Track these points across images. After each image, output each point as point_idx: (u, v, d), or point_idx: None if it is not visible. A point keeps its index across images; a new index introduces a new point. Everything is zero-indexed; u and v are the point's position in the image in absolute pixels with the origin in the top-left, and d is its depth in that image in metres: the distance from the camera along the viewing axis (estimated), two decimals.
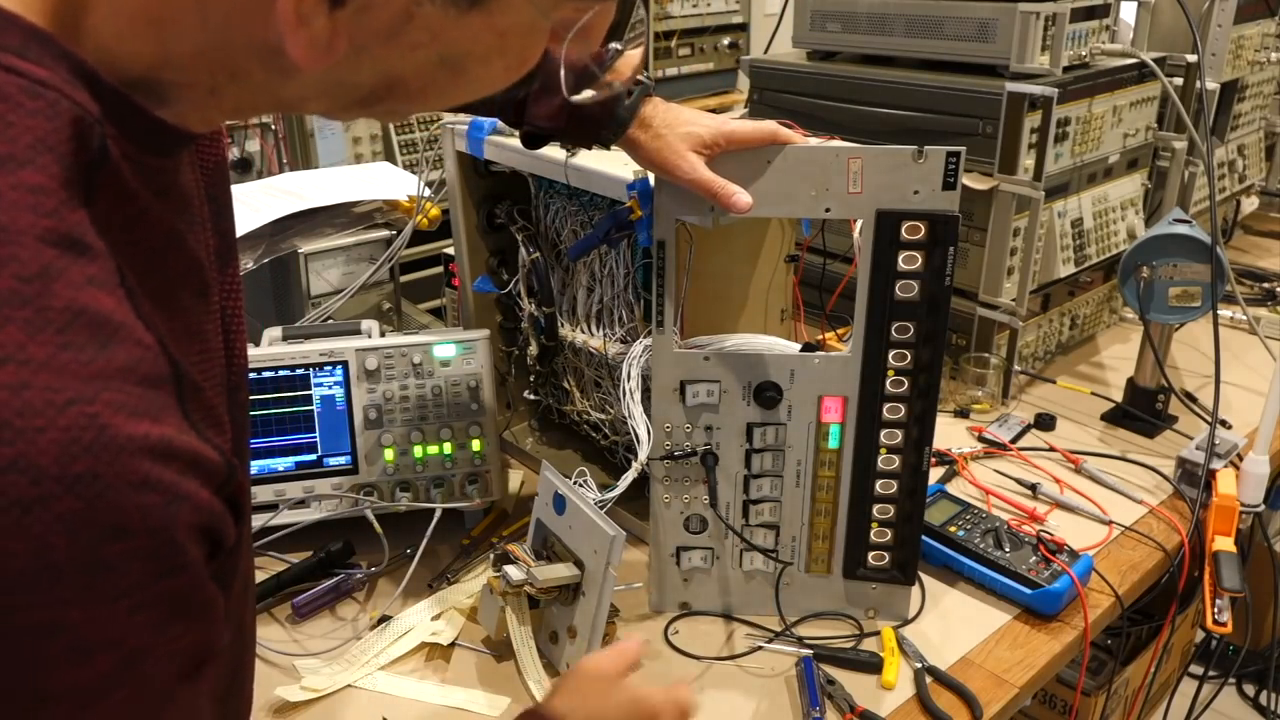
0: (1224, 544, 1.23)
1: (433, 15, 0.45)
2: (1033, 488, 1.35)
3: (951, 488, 1.33)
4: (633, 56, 0.60)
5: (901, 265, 0.98)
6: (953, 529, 1.19)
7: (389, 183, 1.57)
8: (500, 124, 1.23)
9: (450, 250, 1.47)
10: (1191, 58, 1.59)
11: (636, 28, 0.58)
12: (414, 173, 1.58)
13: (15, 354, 0.36)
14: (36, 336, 0.37)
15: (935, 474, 1.36)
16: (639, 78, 0.97)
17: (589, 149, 1.11)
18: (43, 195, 0.38)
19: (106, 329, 0.39)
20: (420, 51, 0.47)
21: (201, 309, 0.53)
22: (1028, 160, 1.45)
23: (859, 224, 0.99)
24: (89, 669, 0.39)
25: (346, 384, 1.19)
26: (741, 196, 0.94)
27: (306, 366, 1.19)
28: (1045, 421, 1.53)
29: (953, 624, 1.11)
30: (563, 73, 0.53)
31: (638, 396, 1.09)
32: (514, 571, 1.01)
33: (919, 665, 1.04)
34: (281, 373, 1.18)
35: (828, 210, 0.98)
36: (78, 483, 0.36)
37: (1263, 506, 1.29)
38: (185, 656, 0.43)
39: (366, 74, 0.48)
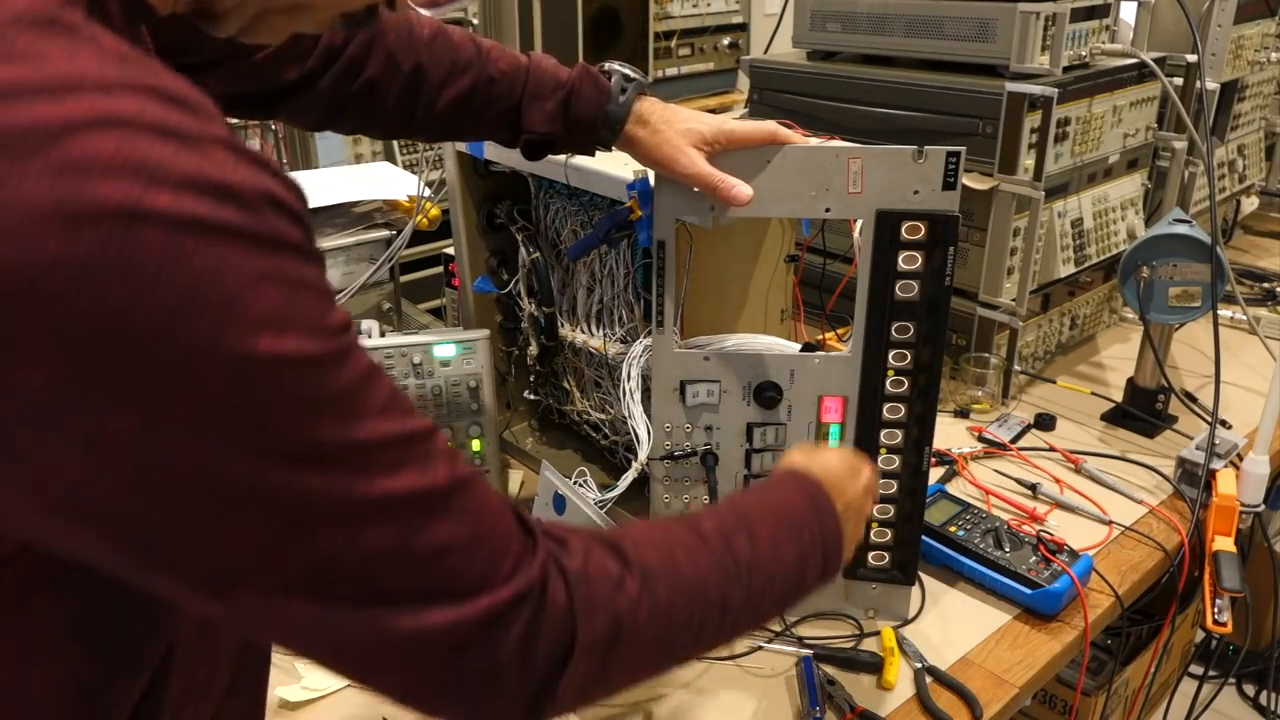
0: (1224, 544, 1.23)
1: None
2: (1033, 488, 1.35)
3: (951, 488, 1.34)
4: None
5: (901, 265, 0.98)
6: (953, 529, 1.19)
7: (389, 183, 1.57)
8: None
9: (450, 250, 1.47)
10: (1191, 58, 1.59)
11: None
12: (414, 173, 1.58)
13: (95, 74, 0.40)
14: (107, 64, 0.41)
15: (935, 474, 1.36)
16: (632, 75, 0.97)
17: (590, 155, 1.11)
18: None
19: (154, 65, 0.43)
20: None
21: None
22: (1028, 160, 1.45)
23: (859, 224, 0.99)
24: (269, 299, 0.42)
25: None
26: (741, 189, 0.94)
27: None
28: (1045, 421, 1.53)
29: (953, 624, 1.12)
30: None
31: (638, 396, 1.09)
32: None
33: (919, 665, 1.04)
34: None
35: (828, 210, 0.98)
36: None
37: (1263, 506, 1.29)
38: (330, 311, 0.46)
39: None
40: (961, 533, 1.18)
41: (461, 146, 1.29)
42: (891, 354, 1.01)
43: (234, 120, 2.25)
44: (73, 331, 0.38)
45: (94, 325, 0.38)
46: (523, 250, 1.30)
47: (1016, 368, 1.57)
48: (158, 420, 0.40)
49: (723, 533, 0.65)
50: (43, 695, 0.49)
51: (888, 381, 1.02)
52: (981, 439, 1.47)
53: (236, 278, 0.40)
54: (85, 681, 0.50)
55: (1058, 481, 1.37)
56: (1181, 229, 1.35)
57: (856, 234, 1.00)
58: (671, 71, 2.88)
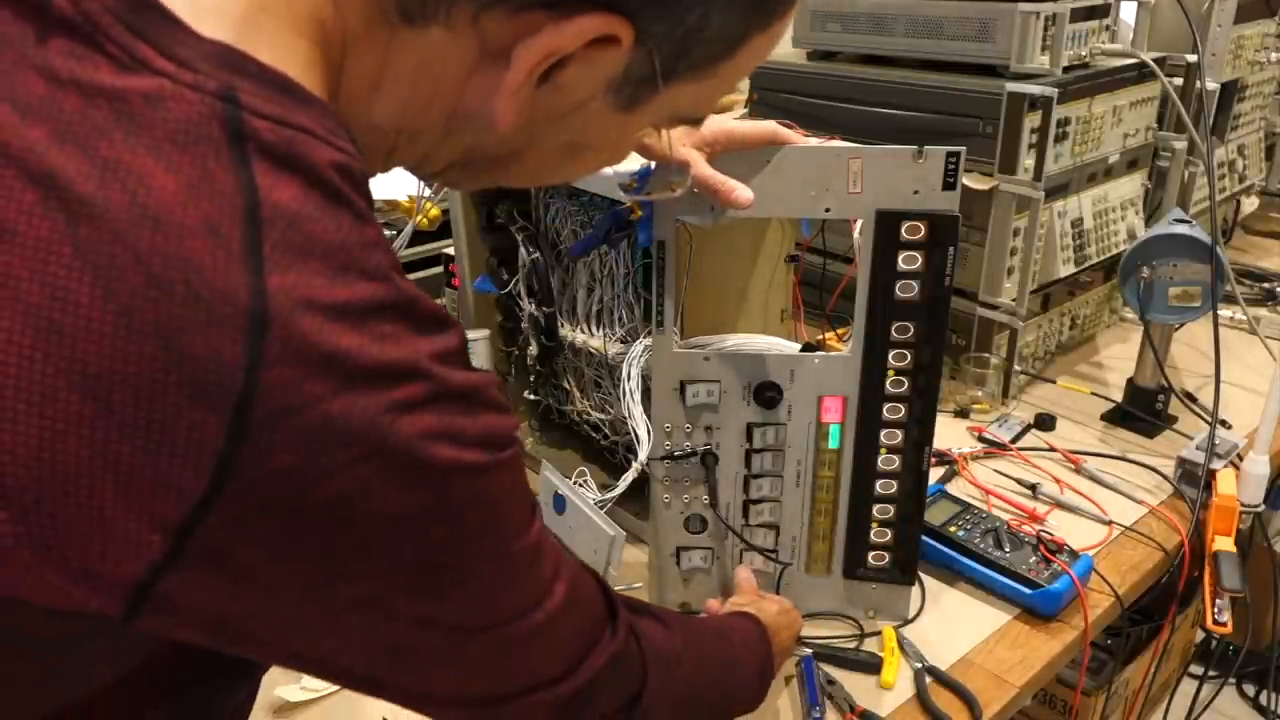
0: (1224, 544, 1.23)
1: (598, 109, 0.50)
2: (1033, 488, 1.35)
3: (951, 488, 1.34)
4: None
5: (901, 265, 0.98)
6: (953, 529, 1.19)
7: (389, 182, 1.57)
8: None
9: (450, 250, 1.47)
10: (1191, 58, 1.59)
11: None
12: None
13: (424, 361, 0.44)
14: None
15: (935, 474, 1.36)
16: None
17: None
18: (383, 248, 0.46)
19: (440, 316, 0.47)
20: (563, 134, 0.52)
21: None
22: (1028, 160, 1.45)
23: (859, 224, 0.99)
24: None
25: None
26: (742, 192, 0.94)
27: None
28: (1045, 421, 1.53)
29: (953, 624, 1.12)
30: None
31: (638, 396, 1.09)
32: None
33: (919, 665, 1.04)
34: None
35: (828, 210, 0.98)
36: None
37: (1263, 506, 1.29)
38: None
39: (508, 144, 0.52)
40: (961, 533, 1.18)
41: None
42: (891, 354, 1.01)
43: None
44: (395, 559, 0.45)
45: (411, 556, 0.45)
46: (523, 250, 1.30)
47: (1016, 368, 1.57)
48: (441, 618, 0.49)
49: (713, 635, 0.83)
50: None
51: (888, 381, 1.02)
52: (981, 439, 1.47)
53: (506, 498, 0.49)
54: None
55: (1058, 481, 1.37)
56: (1181, 229, 1.35)
57: (856, 234, 1.00)
58: None
